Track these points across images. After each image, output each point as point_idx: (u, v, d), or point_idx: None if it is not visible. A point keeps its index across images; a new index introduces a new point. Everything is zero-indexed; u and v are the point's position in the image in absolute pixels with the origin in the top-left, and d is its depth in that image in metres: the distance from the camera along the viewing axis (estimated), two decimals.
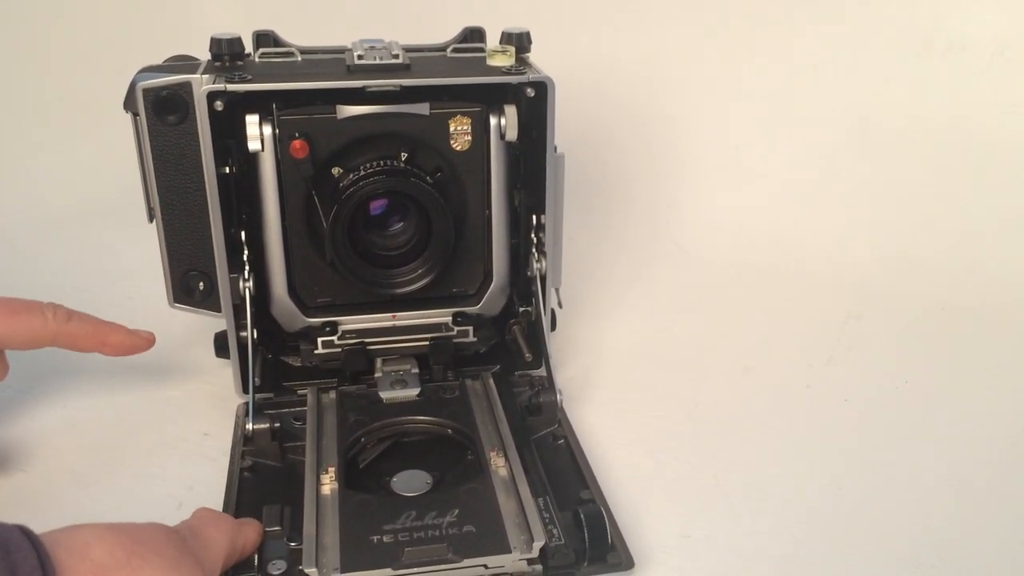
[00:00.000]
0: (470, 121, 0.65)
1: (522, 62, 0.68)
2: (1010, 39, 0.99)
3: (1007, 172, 1.00)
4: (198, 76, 0.63)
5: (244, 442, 0.64)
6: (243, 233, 0.66)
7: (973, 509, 0.62)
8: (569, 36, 1.09)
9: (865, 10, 1.04)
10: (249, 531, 0.54)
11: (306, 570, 0.51)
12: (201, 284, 0.68)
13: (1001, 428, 0.71)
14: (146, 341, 0.67)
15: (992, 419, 0.72)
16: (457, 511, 0.55)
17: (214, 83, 0.61)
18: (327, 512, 0.56)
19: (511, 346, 0.75)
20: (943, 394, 0.75)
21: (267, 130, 0.63)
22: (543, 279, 0.70)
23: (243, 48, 0.67)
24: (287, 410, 0.68)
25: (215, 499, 0.60)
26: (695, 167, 1.10)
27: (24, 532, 0.41)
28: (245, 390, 0.67)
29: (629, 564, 0.54)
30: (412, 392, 0.69)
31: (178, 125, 0.64)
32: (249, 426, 0.63)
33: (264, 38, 0.71)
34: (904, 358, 0.80)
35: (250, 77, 0.62)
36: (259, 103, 0.63)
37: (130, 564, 0.43)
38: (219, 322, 0.69)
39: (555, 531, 0.55)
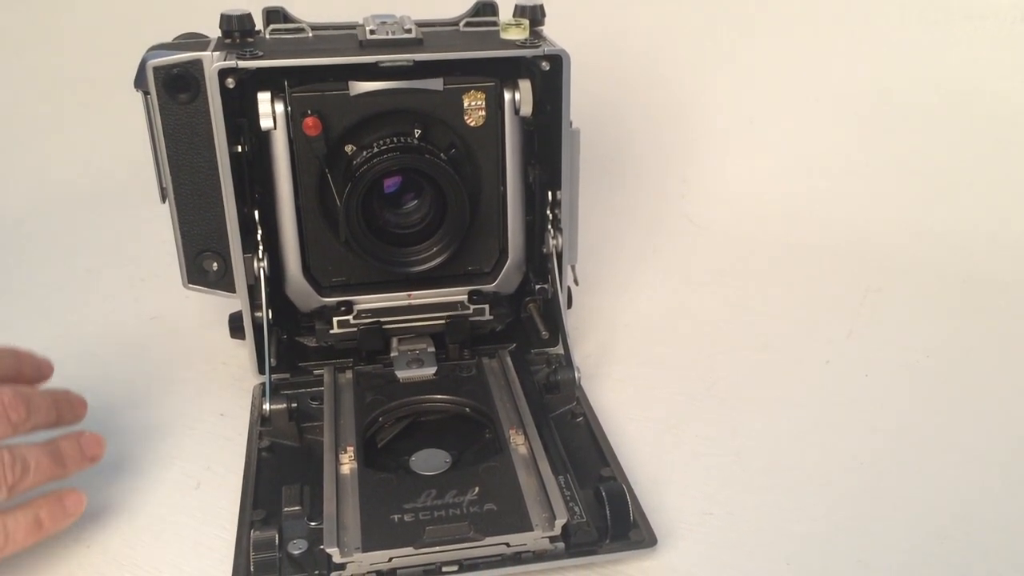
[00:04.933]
0: (484, 96, 0.65)
1: (536, 35, 0.67)
2: None
3: None
4: (209, 53, 0.62)
5: (261, 422, 0.64)
6: (256, 212, 0.66)
7: (997, 483, 0.61)
8: (582, 8, 1.07)
9: None
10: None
11: (327, 549, 0.51)
12: (215, 264, 0.68)
13: None
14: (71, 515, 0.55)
15: (1015, 393, 0.71)
16: (477, 489, 0.55)
17: (225, 60, 0.60)
18: (347, 492, 0.56)
19: (527, 324, 0.74)
20: (965, 368, 0.74)
21: (279, 107, 0.63)
22: (559, 256, 0.69)
23: (253, 25, 0.66)
24: (303, 390, 0.68)
25: (233, 479, 0.60)
26: (709, 141, 1.08)
27: None
28: (261, 371, 0.67)
29: (652, 541, 0.54)
30: (429, 371, 0.68)
31: (189, 103, 0.63)
32: (266, 406, 0.63)
33: (274, 14, 0.70)
34: (925, 332, 0.79)
35: (261, 54, 0.61)
36: (271, 80, 0.62)
37: None
38: (233, 302, 0.69)
39: (576, 509, 0.55)
